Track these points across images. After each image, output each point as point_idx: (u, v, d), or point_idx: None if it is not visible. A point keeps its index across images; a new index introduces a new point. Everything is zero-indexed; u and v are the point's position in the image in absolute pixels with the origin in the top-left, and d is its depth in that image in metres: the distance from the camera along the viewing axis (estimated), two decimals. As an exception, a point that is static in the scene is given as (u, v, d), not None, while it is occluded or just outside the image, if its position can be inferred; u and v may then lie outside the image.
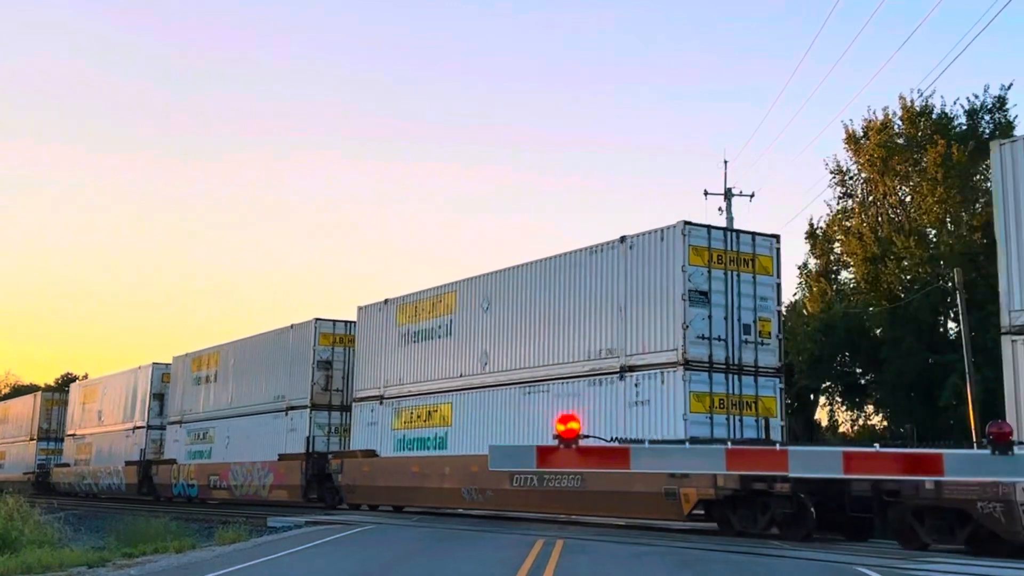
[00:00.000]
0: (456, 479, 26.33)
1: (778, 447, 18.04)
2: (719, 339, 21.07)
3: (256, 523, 24.12)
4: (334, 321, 33.81)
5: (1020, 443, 13.76)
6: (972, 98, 35.39)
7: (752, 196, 39.62)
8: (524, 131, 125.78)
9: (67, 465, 52.96)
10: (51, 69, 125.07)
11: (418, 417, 28.81)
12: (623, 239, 22.47)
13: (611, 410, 21.88)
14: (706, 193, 39.50)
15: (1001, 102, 35.16)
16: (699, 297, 21.01)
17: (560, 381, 23.64)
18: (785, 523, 18.58)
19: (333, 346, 33.38)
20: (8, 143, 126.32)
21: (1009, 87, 35.29)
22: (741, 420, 21.21)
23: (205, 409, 40.49)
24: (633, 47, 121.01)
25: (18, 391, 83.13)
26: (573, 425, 18.23)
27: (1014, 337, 16.66)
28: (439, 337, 28.47)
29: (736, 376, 21.25)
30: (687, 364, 20.60)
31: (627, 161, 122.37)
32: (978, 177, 35.49)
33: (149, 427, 44.59)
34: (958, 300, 30.08)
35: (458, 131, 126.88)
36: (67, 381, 77.38)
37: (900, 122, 36.33)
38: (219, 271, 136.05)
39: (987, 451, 15.45)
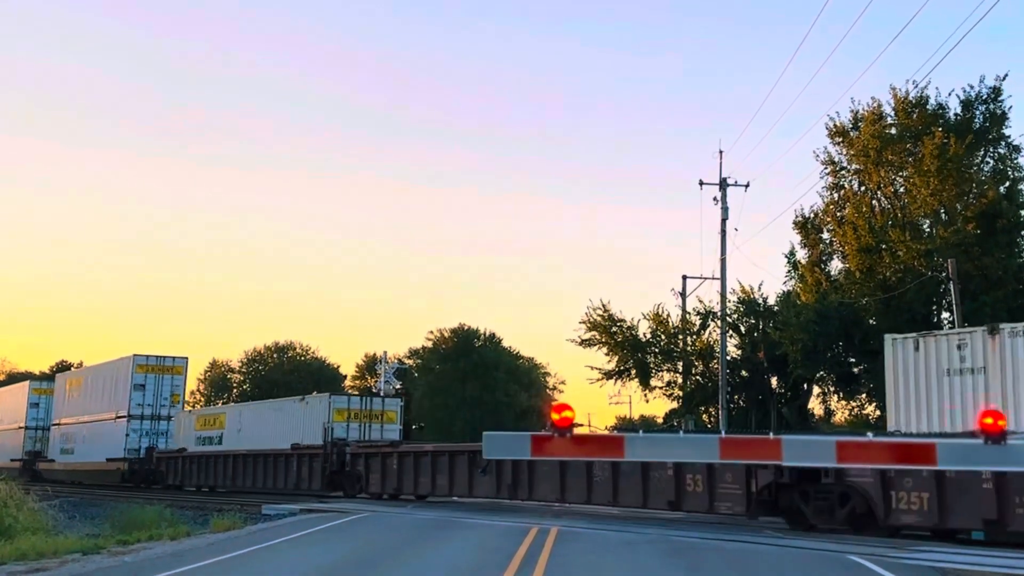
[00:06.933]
0: None
1: (771, 436, 18.17)
2: None
3: (251, 511, 24.12)
4: None
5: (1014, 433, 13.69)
6: (967, 88, 35.38)
7: (747, 186, 39.53)
8: (520, 124, 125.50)
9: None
10: (54, 69, 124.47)
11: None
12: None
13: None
14: (701, 183, 39.45)
15: (996, 92, 35.14)
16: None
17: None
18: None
19: None
20: (8, 141, 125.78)
21: (1004, 77, 35.27)
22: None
23: None
24: (630, 39, 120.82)
25: (12, 378, 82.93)
26: (567, 414, 18.19)
27: None
28: None
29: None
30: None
31: (624, 153, 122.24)
32: (974, 169, 35.50)
33: None
34: (952, 290, 30.15)
35: (459, 130, 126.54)
36: (61, 369, 77.03)
37: (893, 113, 36.30)
38: (215, 268, 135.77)
39: (979, 441, 15.47)
